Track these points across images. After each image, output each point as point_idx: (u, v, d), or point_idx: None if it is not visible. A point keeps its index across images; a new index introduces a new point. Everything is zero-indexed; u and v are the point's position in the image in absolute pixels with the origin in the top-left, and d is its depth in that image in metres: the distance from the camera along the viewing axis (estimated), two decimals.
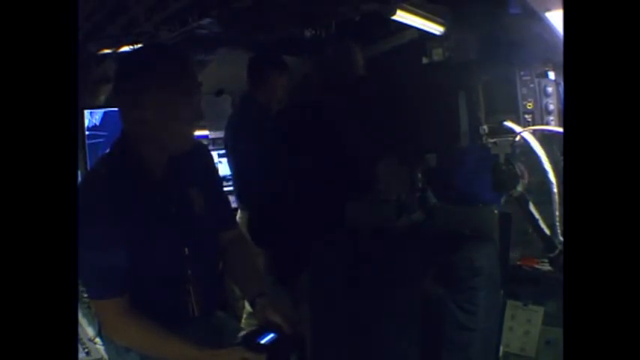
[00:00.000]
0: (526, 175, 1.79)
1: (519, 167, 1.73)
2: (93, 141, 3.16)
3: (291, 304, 2.15)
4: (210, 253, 1.52)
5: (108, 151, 1.45)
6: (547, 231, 1.69)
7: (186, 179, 1.47)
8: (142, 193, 1.37)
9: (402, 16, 2.30)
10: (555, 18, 1.29)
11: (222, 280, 1.62)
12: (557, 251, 1.69)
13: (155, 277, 1.39)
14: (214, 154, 2.10)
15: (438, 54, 2.89)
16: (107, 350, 1.54)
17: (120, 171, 1.37)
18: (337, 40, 2.46)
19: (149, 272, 1.38)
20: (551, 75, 1.72)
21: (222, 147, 3.08)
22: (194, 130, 1.43)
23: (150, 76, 1.31)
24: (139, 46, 1.40)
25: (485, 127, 1.69)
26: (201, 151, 1.56)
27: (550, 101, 1.71)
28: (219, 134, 3.20)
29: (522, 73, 1.71)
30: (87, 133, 3.13)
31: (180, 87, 1.33)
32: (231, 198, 2.27)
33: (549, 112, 1.71)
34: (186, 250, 1.43)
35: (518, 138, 1.63)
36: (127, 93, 1.34)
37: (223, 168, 3.10)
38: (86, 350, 1.95)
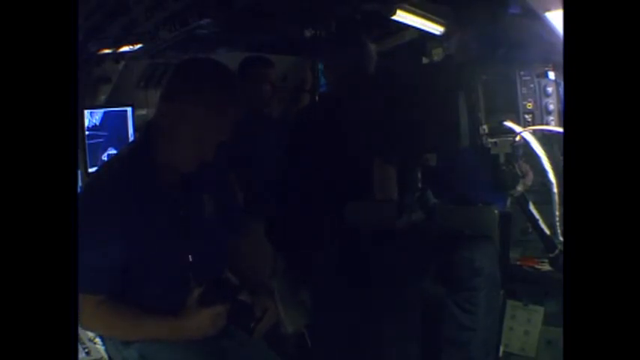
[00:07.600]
0: (530, 175, 1.79)
1: (519, 167, 1.73)
2: (93, 141, 3.15)
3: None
4: (218, 260, 1.53)
5: (127, 149, 1.47)
6: (547, 231, 1.69)
7: (200, 187, 1.49)
8: (154, 197, 1.39)
9: (402, 16, 2.31)
10: (555, 18, 1.29)
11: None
12: (557, 251, 1.68)
13: (161, 280, 1.40)
14: None
15: (437, 54, 2.90)
16: (107, 347, 1.55)
17: (136, 172, 1.39)
18: (349, 36, 2.44)
19: (155, 275, 1.39)
20: (551, 75, 1.72)
21: None
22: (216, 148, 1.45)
23: (211, 87, 1.36)
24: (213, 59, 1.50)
25: (485, 127, 1.69)
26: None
27: (550, 101, 1.71)
28: None
29: (522, 73, 1.71)
30: (87, 133, 3.12)
31: (228, 110, 1.39)
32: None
33: (549, 112, 1.71)
34: (191, 257, 1.45)
35: (518, 138, 1.63)
36: (180, 92, 1.37)
37: None
38: (86, 350, 1.95)
